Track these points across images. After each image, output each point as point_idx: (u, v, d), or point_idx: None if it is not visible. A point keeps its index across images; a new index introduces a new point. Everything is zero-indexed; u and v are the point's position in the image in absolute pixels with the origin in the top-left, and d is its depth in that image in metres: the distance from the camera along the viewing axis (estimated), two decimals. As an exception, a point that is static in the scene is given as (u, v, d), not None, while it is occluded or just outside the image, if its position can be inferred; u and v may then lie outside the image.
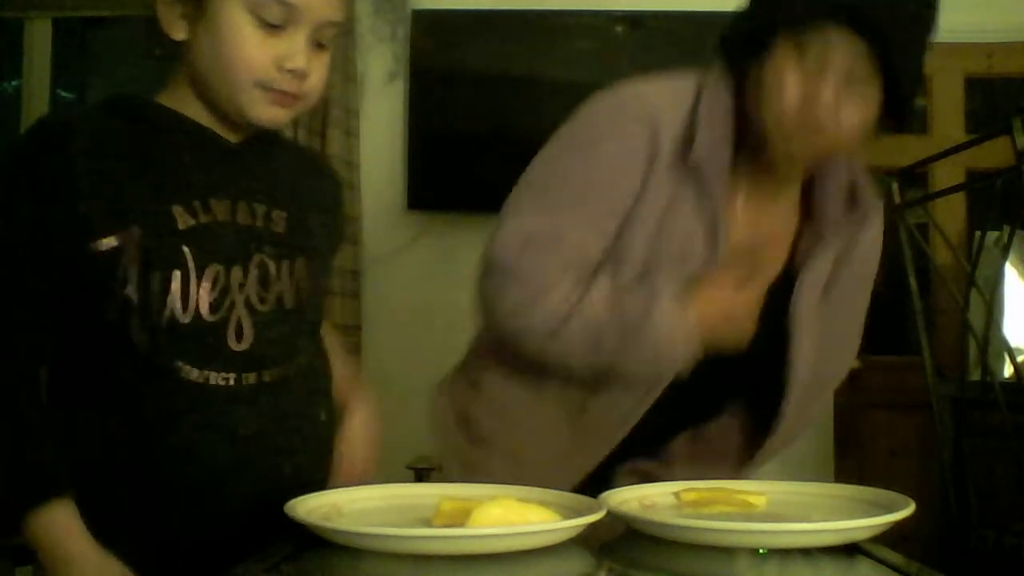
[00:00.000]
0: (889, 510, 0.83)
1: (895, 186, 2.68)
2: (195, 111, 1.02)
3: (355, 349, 3.17)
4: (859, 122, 1.11)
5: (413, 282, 3.19)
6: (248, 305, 1.00)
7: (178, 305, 0.96)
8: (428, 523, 0.82)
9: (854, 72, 1.08)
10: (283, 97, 1.00)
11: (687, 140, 1.14)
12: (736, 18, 1.17)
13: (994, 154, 2.46)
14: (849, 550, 0.84)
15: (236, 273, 0.99)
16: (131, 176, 0.96)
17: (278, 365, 1.02)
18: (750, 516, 0.90)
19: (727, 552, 0.81)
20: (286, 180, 1.09)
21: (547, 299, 1.13)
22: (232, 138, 1.04)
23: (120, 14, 3.77)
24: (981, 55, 3.52)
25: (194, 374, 0.96)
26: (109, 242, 0.94)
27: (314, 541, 0.78)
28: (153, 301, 0.95)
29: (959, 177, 3.24)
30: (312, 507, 0.83)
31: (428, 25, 3.42)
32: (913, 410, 2.89)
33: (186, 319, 0.96)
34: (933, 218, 2.87)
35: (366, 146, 3.36)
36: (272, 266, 1.03)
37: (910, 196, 2.85)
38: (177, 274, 0.96)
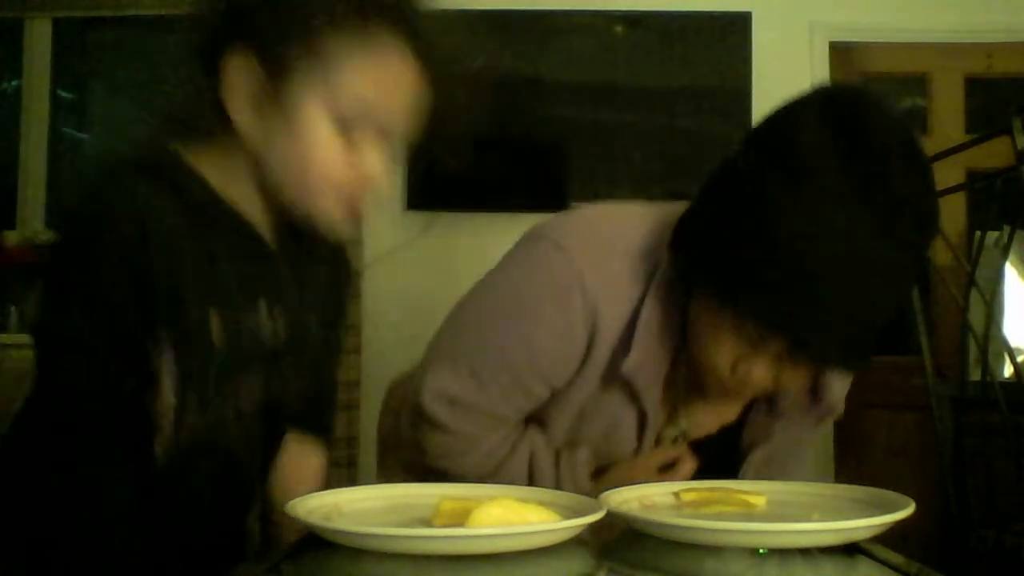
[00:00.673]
0: (889, 510, 0.83)
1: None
2: (238, 191, 0.95)
3: (355, 349, 3.17)
4: (796, 383, 1.07)
5: (413, 282, 3.19)
6: (238, 414, 0.97)
7: (200, 419, 0.92)
8: (428, 523, 0.82)
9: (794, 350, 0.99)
10: (353, 201, 0.94)
11: (624, 343, 1.06)
12: (688, 235, 1.04)
13: (994, 154, 2.46)
14: (849, 550, 0.84)
15: (244, 386, 0.96)
16: (187, 275, 0.90)
17: (253, 469, 1.03)
18: (750, 516, 0.90)
19: (727, 552, 0.81)
20: (304, 287, 1.04)
21: (476, 450, 1.13)
22: (267, 231, 0.98)
23: (120, 14, 3.77)
24: (981, 55, 3.53)
25: (199, 486, 0.95)
26: (156, 347, 0.89)
27: (314, 541, 0.78)
28: (179, 415, 0.91)
29: (959, 177, 3.24)
30: (312, 507, 0.83)
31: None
32: (913, 410, 2.89)
33: (204, 433, 0.93)
34: (933, 218, 2.87)
35: (366, 146, 3.36)
36: (267, 375, 0.99)
37: (910, 196, 2.84)
38: (206, 388, 0.92)
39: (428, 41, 0.93)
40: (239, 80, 0.90)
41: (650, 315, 1.06)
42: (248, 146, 0.92)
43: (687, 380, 1.12)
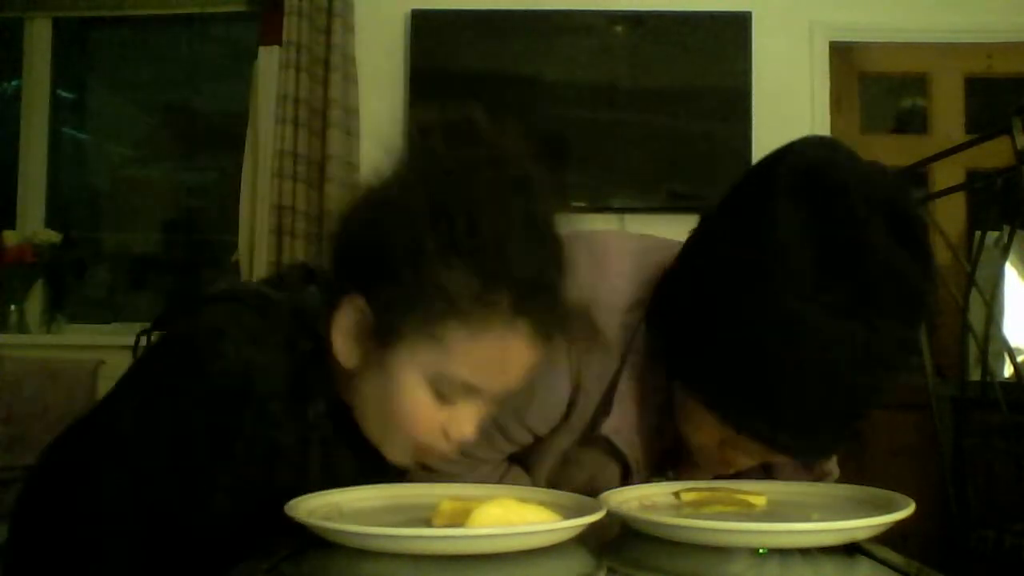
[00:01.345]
0: (889, 510, 0.83)
1: (895, 186, 2.68)
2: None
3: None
4: (780, 460, 1.05)
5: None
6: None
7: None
8: (428, 523, 0.82)
9: None
10: (429, 455, 0.93)
11: (605, 403, 1.04)
12: (660, 319, 1.00)
13: (994, 154, 2.46)
14: (849, 550, 0.84)
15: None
16: (263, 434, 0.89)
17: None
18: (750, 516, 0.90)
19: (727, 552, 0.81)
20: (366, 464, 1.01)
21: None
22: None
23: (120, 14, 3.77)
24: (981, 55, 3.53)
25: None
26: (207, 485, 0.88)
27: (315, 541, 0.78)
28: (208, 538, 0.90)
29: (959, 177, 3.25)
30: (313, 507, 0.83)
31: (428, 25, 3.42)
32: (913, 410, 2.89)
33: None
34: (933, 218, 2.87)
35: (366, 146, 3.36)
36: None
37: (910, 196, 2.85)
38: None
39: (558, 323, 0.88)
40: (349, 322, 0.88)
41: (630, 377, 1.03)
42: (347, 371, 0.90)
43: (674, 437, 1.09)
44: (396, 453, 0.92)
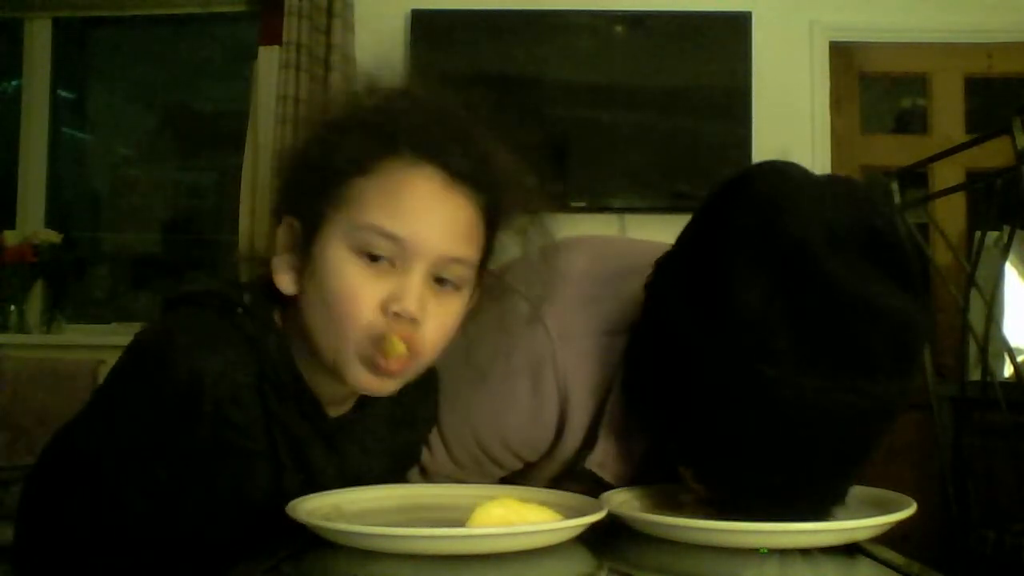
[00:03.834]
0: (889, 510, 0.83)
1: (895, 186, 2.68)
2: (303, 363, 0.92)
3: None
4: None
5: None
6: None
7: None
8: (430, 523, 0.82)
9: None
10: (388, 369, 0.86)
11: (591, 436, 1.01)
12: (632, 369, 0.96)
13: (994, 154, 2.46)
14: (849, 550, 0.84)
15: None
16: (229, 433, 0.89)
17: None
18: (750, 516, 0.90)
19: (727, 552, 0.81)
20: (360, 460, 1.00)
21: None
22: (332, 406, 0.96)
23: (120, 14, 3.77)
24: (981, 55, 3.53)
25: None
26: (182, 491, 0.89)
27: (315, 541, 0.78)
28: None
29: (959, 177, 3.24)
30: (313, 507, 0.83)
31: (428, 25, 3.42)
32: (913, 410, 2.89)
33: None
34: (933, 218, 2.87)
35: (366, 146, 3.36)
36: None
37: (910, 196, 2.85)
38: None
39: (471, 166, 0.89)
40: (284, 244, 0.91)
41: (616, 408, 1.00)
42: (296, 316, 0.91)
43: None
44: (352, 364, 0.87)
